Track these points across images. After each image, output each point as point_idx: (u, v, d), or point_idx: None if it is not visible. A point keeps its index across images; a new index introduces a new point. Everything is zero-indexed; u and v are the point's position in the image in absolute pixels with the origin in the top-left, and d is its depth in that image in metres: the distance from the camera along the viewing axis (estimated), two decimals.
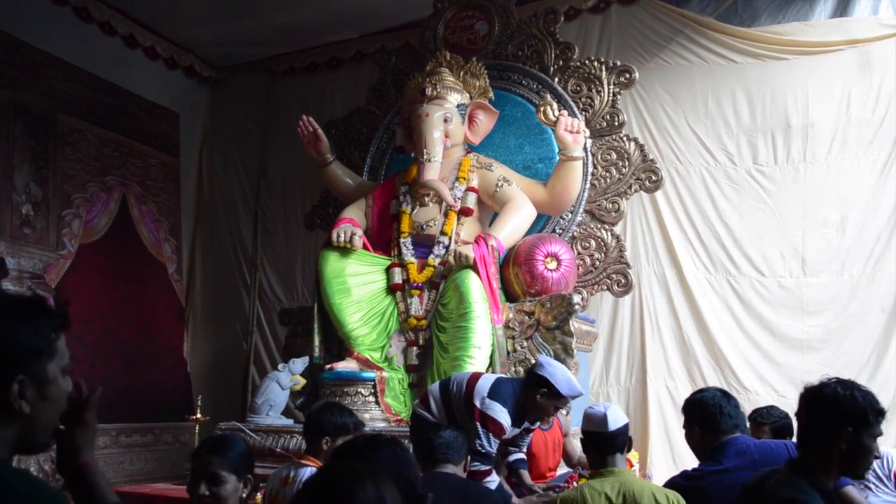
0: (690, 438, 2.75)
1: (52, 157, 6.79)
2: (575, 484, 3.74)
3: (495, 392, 3.68)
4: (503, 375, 4.07)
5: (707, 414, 2.66)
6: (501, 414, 3.59)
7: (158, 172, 7.89)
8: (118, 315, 7.01)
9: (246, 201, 8.27)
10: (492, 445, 3.58)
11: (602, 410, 2.87)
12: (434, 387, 3.93)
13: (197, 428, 5.05)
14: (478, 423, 3.58)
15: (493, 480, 3.55)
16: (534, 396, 3.62)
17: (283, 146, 8.09)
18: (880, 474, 3.18)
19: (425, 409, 3.81)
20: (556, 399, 3.63)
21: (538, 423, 3.94)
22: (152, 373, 7.23)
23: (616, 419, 2.83)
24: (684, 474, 2.69)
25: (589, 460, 2.94)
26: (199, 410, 4.96)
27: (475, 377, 3.84)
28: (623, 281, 5.64)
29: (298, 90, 8.27)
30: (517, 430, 3.76)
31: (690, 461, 5.53)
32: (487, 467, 3.55)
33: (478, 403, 3.62)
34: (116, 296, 7.06)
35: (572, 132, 5.43)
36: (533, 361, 4.83)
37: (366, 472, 1.33)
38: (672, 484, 2.57)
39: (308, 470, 3.12)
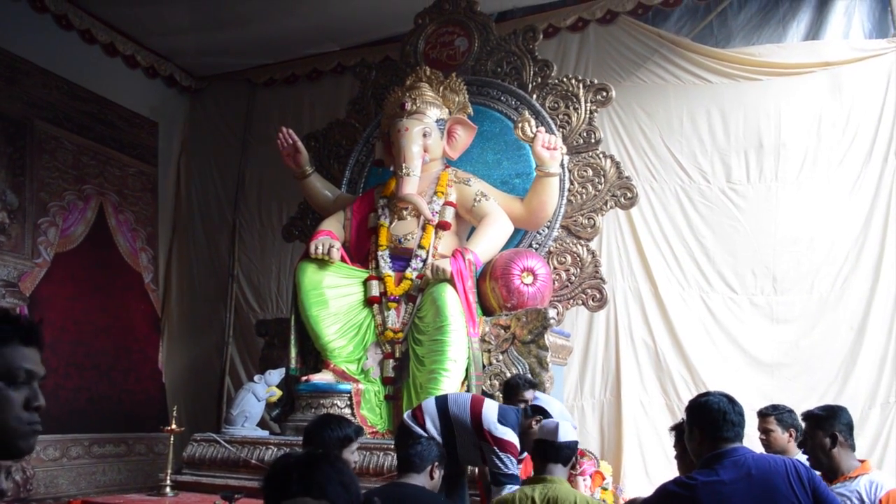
0: (690, 440, 2.72)
1: (30, 165, 6.75)
2: None
3: (504, 419, 3.75)
4: (505, 406, 4.06)
5: (710, 418, 2.61)
6: (514, 437, 3.68)
7: (136, 181, 7.87)
8: (93, 324, 6.96)
9: (223, 212, 8.26)
10: (514, 467, 3.64)
11: (555, 422, 2.98)
12: (430, 404, 3.89)
13: (172, 439, 5.03)
14: (496, 449, 3.63)
15: None
16: (529, 424, 3.68)
17: (261, 157, 8.10)
18: (865, 499, 3.09)
19: (416, 423, 3.82)
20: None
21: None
22: (126, 383, 7.18)
23: (566, 433, 2.97)
24: (678, 481, 2.64)
25: (534, 466, 3.03)
26: (174, 421, 4.94)
27: (478, 402, 3.84)
28: (598, 296, 5.70)
29: (278, 102, 8.30)
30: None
31: (663, 474, 5.62)
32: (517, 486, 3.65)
33: (492, 430, 3.66)
34: (91, 305, 7.01)
35: (549, 149, 5.50)
36: (508, 375, 4.89)
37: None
38: (665, 490, 2.57)
39: None
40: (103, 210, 7.37)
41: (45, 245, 6.70)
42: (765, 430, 3.90)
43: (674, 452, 3.45)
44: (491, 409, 3.79)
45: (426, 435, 3.72)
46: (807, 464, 2.80)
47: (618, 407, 6.18)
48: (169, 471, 4.94)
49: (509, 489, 3.47)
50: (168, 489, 4.85)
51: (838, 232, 5.99)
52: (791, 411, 3.87)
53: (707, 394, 2.72)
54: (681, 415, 4.64)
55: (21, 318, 1.54)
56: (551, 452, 2.89)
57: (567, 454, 2.92)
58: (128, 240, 7.57)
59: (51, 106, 7.05)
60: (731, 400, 2.67)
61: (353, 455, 3.35)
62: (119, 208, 7.54)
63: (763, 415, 3.93)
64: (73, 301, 6.82)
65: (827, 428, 3.11)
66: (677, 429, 3.34)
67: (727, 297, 6.15)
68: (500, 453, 3.62)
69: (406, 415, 3.97)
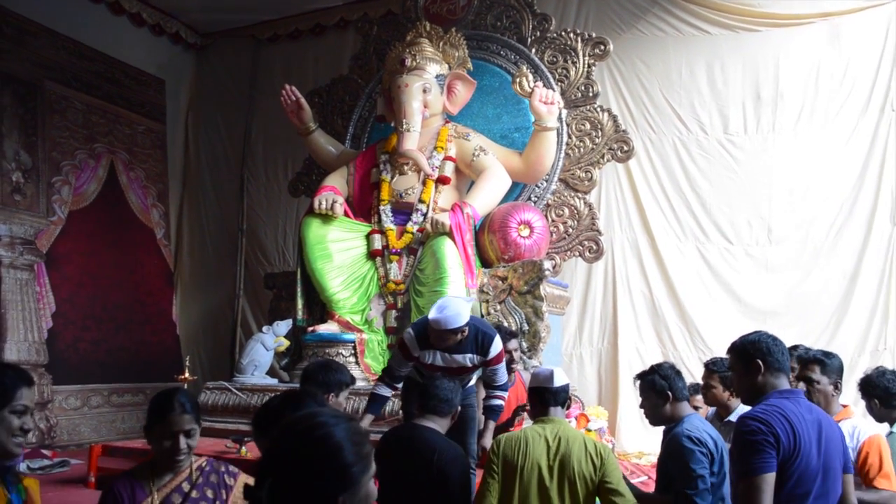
0: (747, 375, 2.60)
1: (41, 125, 6.92)
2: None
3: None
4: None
5: (771, 352, 2.55)
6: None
7: (145, 139, 8.02)
8: (108, 279, 7.19)
9: (231, 167, 8.41)
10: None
11: (550, 369, 3.15)
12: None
13: (185, 387, 5.27)
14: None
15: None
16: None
17: (267, 113, 8.21)
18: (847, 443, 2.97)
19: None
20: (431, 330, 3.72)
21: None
22: (142, 335, 7.44)
23: (560, 378, 3.15)
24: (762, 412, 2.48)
25: (532, 411, 3.20)
26: (187, 371, 5.18)
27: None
28: (594, 247, 5.85)
29: (282, 57, 8.38)
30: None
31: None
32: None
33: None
34: (106, 260, 7.24)
35: (546, 103, 5.59)
36: (506, 324, 5.08)
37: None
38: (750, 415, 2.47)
39: None
40: (114, 168, 7.55)
41: (60, 203, 6.90)
42: (707, 386, 3.89)
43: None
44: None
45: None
46: None
47: (615, 355, 6.37)
48: None
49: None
50: None
51: (833, 182, 6.07)
52: None
53: (755, 332, 2.66)
54: (676, 363, 4.79)
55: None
56: (549, 397, 3.07)
57: (564, 397, 3.11)
58: (139, 196, 7.76)
59: (59, 66, 7.18)
60: (774, 337, 2.64)
61: (345, 401, 3.54)
62: (129, 166, 7.71)
63: (710, 371, 3.77)
64: (88, 257, 7.05)
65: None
66: (643, 378, 3.25)
67: (723, 248, 6.27)
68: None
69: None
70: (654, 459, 5.26)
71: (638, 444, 5.96)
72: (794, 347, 4.33)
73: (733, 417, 3.61)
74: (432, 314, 3.60)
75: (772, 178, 6.20)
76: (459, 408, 3.34)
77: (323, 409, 1.63)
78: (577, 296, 6.46)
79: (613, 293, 6.48)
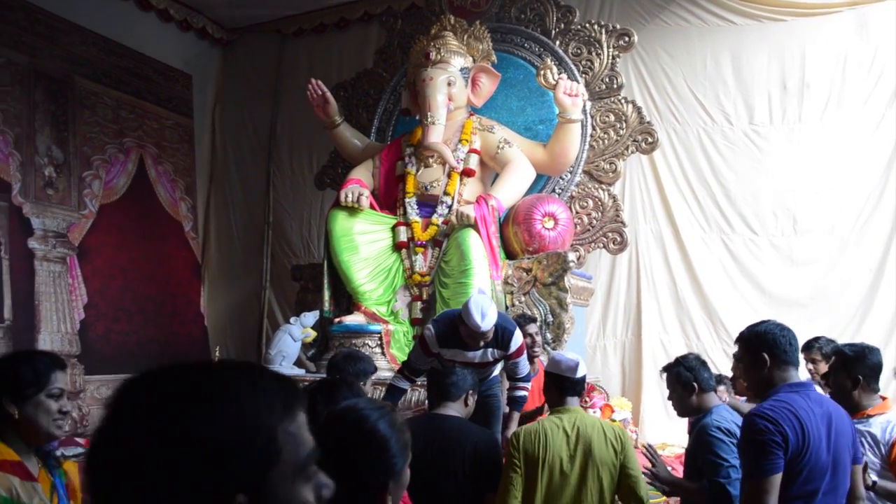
0: (756, 371, 2.59)
1: (72, 121, 7.04)
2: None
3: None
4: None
5: (778, 344, 2.55)
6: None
7: (173, 133, 8.14)
8: (138, 271, 7.32)
9: (257, 161, 8.51)
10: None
11: (575, 360, 3.17)
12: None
13: None
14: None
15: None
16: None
17: (292, 107, 8.29)
18: (879, 439, 3.08)
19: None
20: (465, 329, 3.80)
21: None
22: (171, 326, 7.57)
23: (582, 368, 3.18)
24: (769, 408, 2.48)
25: (550, 398, 3.23)
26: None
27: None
28: (618, 239, 5.88)
29: (307, 51, 8.45)
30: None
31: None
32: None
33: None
34: (136, 253, 7.37)
35: (571, 95, 5.62)
36: (529, 315, 5.12)
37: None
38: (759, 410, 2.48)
39: None
40: (143, 162, 7.66)
41: (91, 197, 7.03)
42: (737, 377, 3.89)
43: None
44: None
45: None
46: None
47: (638, 347, 6.38)
48: None
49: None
50: None
51: (860, 173, 6.03)
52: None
53: (762, 322, 2.67)
54: (700, 355, 4.79)
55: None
56: (569, 386, 3.11)
57: (582, 387, 3.16)
58: (167, 190, 7.88)
59: (89, 63, 7.29)
60: (783, 326, 2.63)
61: (370, 389, 3.64)
62: (158, 160, 7.83)
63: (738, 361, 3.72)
64: (118, 250, 7.18)
65: (851, 371, 3.15)
66: (670, 371, 3.31)
67: (748, 239, 6.25)
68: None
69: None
70: (679, 451, 5.31)
71: (662, 436, 5.97)
72: (816, 339, 4.34)
73: None
74: (476, 319, 3.65)
75: (798, 169, 6.16)
76: (473, 392, 3.37)
77: (364, 401, 1.70)
78: (600, 287, 6.47)
79: (637, 285, 6.48)
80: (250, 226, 8.40)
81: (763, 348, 2.59)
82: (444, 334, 3.84)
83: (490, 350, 3.87)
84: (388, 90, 6.98)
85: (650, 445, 3.48)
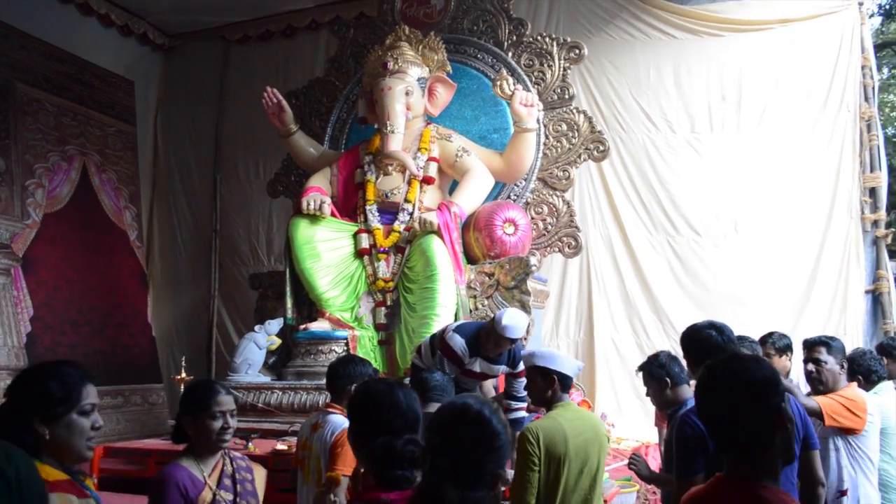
0: (692, 371, 2.80)
1: (14, 128, 6.83)
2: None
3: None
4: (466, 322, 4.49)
5: (706, 346, 2.79)
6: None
7: (116, 141, 7.97)
8: (84, 282, 7.14)
9: (202, 168, 8.41)
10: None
11: (578, 363, 3.34)
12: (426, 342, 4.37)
13: (182, 387, 5.31)
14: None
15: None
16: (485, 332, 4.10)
17: (238, 113, 8.24)
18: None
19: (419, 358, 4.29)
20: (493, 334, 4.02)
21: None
22: (119, 337, 7.40)
23: (574, 366, 3.33)
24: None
25: (551, 395, 3.36)
26: (183, 371, 5.23)
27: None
28: (573, 243, 6.08)
29: (253, 59, 8.41)
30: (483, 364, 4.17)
31: (633, 406, 6.08)
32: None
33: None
34: (81, 263, 7.18)
35: (526, 105, 5.79)
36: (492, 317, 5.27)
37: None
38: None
39: (334, 416, 3.39)
40: (86, 170, 7.49)
41: (34, 206, 6.83)
42: None
43: (644, 390, 3.63)
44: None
45: (437, 369, 4.09)
46: None
47: (591, 346, 6.62)
48: None
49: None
50: None
51: (795, 178, 6.42)
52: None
53: (695, 323, 2.92)
54: (650, 352, 5.01)
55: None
56: (569, 383, 3.26)
57: (569, 383, 3.30)
58: (112, 198, 7.71)
59: (30, 68, 7.10)
60: (717, 327, 2.88)
61: None
62: (101, 168, 7.65)
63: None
64: (64, 260, 6.99)
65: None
66: (644, 369, 3.46)
67: (692, 241, 6.58)
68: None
69: (413, 354, 4.38)
70: (632, 444, 5.55)
71: (616, 431, 6.21)
72: (770, 334, 4.63)
73: None
74: (506, 322, 3.89)
75: (737, 174, 6.53)
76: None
77: (474, 396, 1.83)
78: (553, 290, 6.68)
79: (588, 286, 6.73)
80: (196, 234, 8.29)
81: (694, 349, 2.84)
82: (471, 345, 4.04)
83: (502, 367, 4.12)
84: (342, 98, 7.02)
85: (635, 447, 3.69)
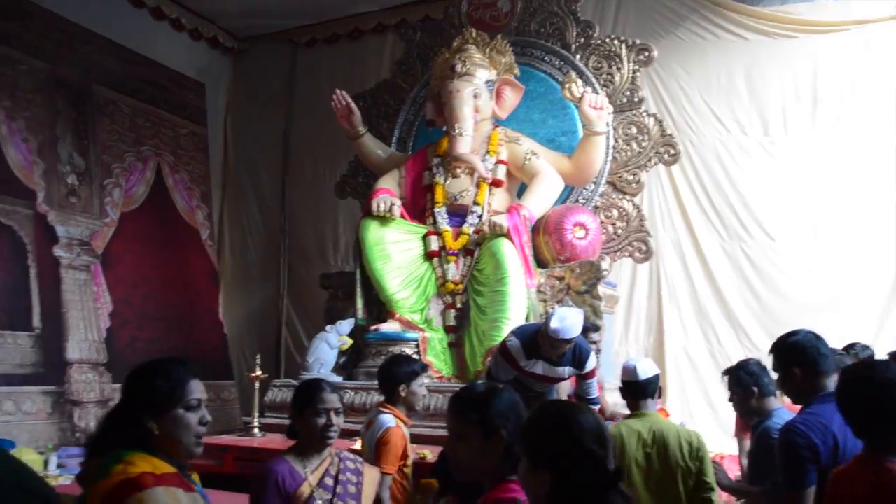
0: (790, 382, 2.72)
1: (92, 129, 7.06)
2: None
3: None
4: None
5: (808, 355, 2.66)
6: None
7: (188, 142, 8.17)
8: (159, 279, 7.35)
9: (271, 170, 8.56)
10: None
11: (633, 363, 3.29)
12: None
13: (257, 385, 5.43)
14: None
15: None
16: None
17: (306, 116, 8.37)
18: None
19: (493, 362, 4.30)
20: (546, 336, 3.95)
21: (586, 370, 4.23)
22: (192, 334, 7.59)
23: (646, 370, 3.28)
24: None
25: (628, 405, 3.35)
26: (258, 368, 5.34)
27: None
28: (644, 248, 6.04)
29: (321, 61, 8.54)
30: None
31: (704, 415, 5.98)
32: None
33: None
34: (156, 261, 7.39)
35: (596, 108, 5.76)
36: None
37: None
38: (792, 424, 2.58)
39: (384, 416, 3.53)
40: (160, 170, 7.69)
41: (112, 205, 7.05)
42: None
43: (719, 398, 3.55)
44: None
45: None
46: None
47: (661, 352, 6.53)
48: (256, 414, 5.36)
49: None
50: (256, 430, 5.30)
51: (875, 182, 6.23)
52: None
53: (795, 332, 2.77)
54: (722, 360, 4.94)
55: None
56: (639, 391, 3.22)
57: (652, 389, 3.25)
58: (184, 198, 7.91)
59: (107, 71, 7.31)
60: (817, 336, 2.74)
61: (421, 388, 3.71)
62: (175, 168, 7.86)
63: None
64: (140, 258, 7.20)
65: None
66: (731, 374, 3.38)
67: (766, 246, 6.44)
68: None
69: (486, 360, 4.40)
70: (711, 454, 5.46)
71: None
72: (852, 345, 4.52)
73: None
74: (554, 324, 3.82)
75: (813, 177, 6.36)
76: None
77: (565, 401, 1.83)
78: (622, 295, 6.62)
79: (658, 292, 6.65)
80: (265, 234, 8.45)
81: (795, 360, 2.70)
82: (529, 345, 3.98)
83: (567, 368, 4.04)
84: (409, 101, 7.08)
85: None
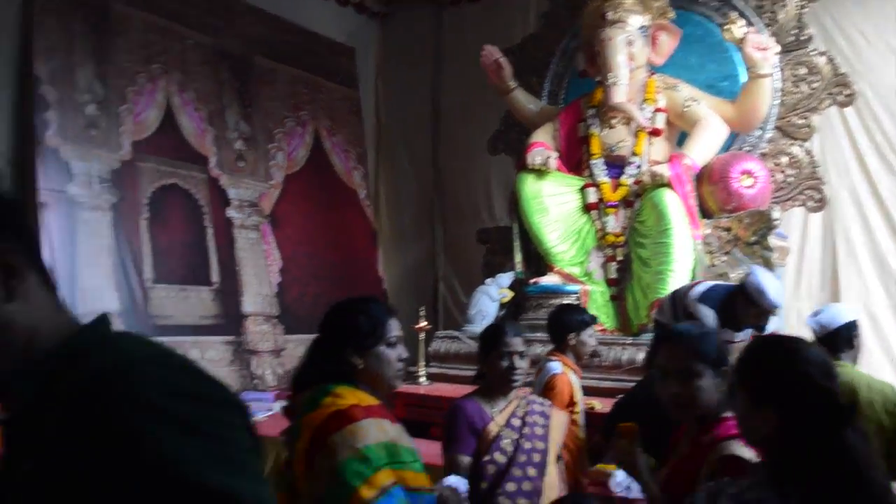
0: None
1: (254, 97, 7.41)
2: None
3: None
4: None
5: None
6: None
7: (342, 106, 8.42)
8: (322, 238, 7.68)
9: (422, 129, 8.68)
10: None
11: (820, 314, 3.15)
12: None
13: (422, 336, 5.61)
14: None
15: None
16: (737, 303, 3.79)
17: (454, 74, 8.40)
18: None
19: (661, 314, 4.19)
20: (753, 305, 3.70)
21: None
22: (355, 291, 7.80)
23: (832, 317, 3.11)
24: None
25: None
26: (421, 320, 5.52)
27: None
28: (817, 196, 5.72)
29: (466, 19, 8.50)
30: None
31: (885, 374, 5.61)
32: None
33: None
34: (319, 221, 7.72)
35: (761, 49, 5.47)
36: (731, 275, 5.08)
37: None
38: None
39: (554, 364, 3.56)
40: (318, 134, 7.99)
41: (276, 168, 7.41)
42: None
43: None
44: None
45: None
46: None
47: None
48: (422, 363, 5.56)
49: None
50: (422, 379, 5.50)
51: None
52: None
53: None
54: None
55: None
56: (829, 341, 3.08)
57: (844, 338, 3.10)
58: (341, 160, 8.19)
59: (265, 41, 7.61)
60: None
61: (590, 339, 3.69)
62: (331, 131, 8.14)
63: None
64: (304, 217, 7.54)
65: None
66: None
67: None
68: None
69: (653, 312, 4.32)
70: None
71: None
72: None
73: None
74: (771, 295, 3.60)
75: None
76: None
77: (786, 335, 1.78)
78: (793, 247, 6.27)
79: (833, 244, 6.19)
80: (419, 192, 8.62)
81: None
82: (726, 316, 3.74)
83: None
84: (558, 52, 6.98)
85: None
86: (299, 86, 7.93)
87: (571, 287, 5.55)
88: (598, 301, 5.57)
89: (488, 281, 5.89)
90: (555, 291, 5.55)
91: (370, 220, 8.36)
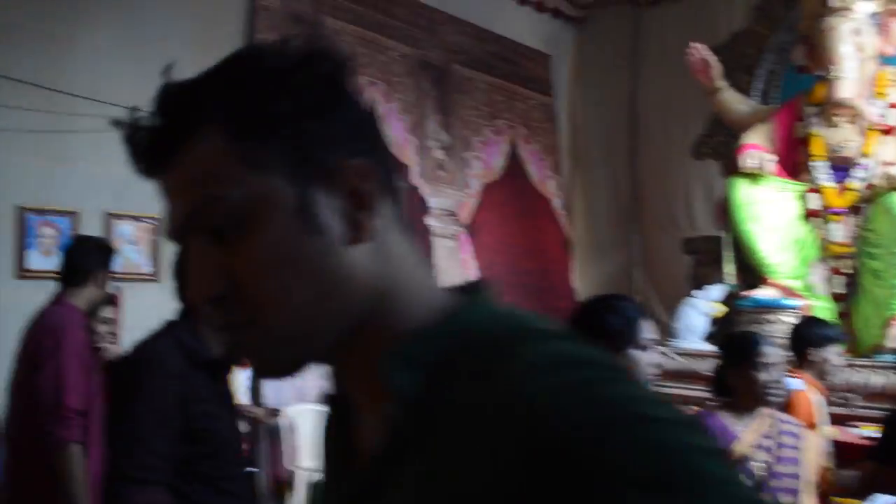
0: None
1: (452, 106, 7.54)
2: None
3: None
4: None
5: None
6: None
7: (538, 113, 8.38)
8: (518, 247, 7.67)
9: (618, 135, 8.44)
10: None
11: None
12: None
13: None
14: None
15: None
16: None
17: (654, 78, 8.08)
18: None
19: None
20: None
21: None
22: (548, 300, 7.80)
23: None
24: None
25: None
26: None
27: None
28: None
29: (666, 20, 8.15)
30: None
31: None
32: None
33: None
34: (515, 229, 7.72)
35: None
36: None
37: None
38: None
39: (792, 380, 3.23)
40: (514, 142, 7.99)
41: (474, 177, 7.49)
42: None
43: None
44: None
45: None
46: None
47: None
48: None
49: None
50: None
51: None
52: None
53: None
54: None
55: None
56: None
57: None
58: (537, 168, 8.15)
59: (463, 50, 7.73)
60: None
61: (835, 357, 3.34)
62: (527, 140, 8.12)
63: None
64: (501, 227, 7.57)
65: None
66: None
67: None
68: None
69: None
70: None
71: None
72: None
73: None
74: None
75: None
76: None
77: None
78: None
79: None
80: (615, 201, 8.39)
81: None
82: None
83: None
84: (771, 48, 6.51)
85: None
86: (496, 94, 7.98)
87: (791, 302, 5.11)
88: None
89: (695, 293, 5.57)
90: (770, 306, 5.13)
91: (564, 230, 8.24)
